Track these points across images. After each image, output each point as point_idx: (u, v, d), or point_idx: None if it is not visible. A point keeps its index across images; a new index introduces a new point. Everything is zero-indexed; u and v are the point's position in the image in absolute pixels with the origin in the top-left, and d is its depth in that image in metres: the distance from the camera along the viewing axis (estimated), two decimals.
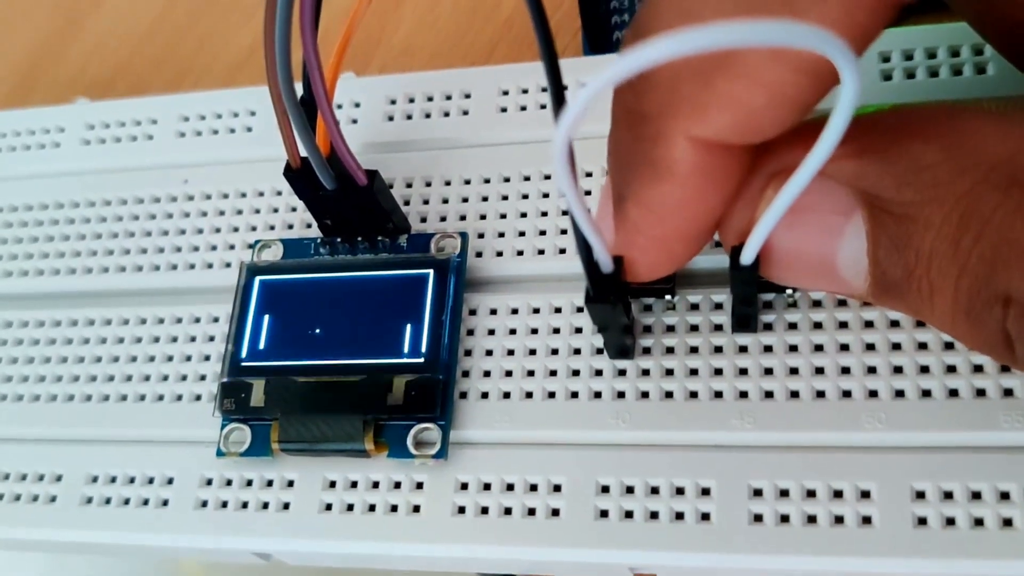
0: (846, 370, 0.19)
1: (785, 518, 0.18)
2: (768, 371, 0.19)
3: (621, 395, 0.20)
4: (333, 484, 0.21)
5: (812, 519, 0.18)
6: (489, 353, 0.21)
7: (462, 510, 0.20)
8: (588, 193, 0.22)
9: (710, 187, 0.16)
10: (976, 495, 0.17)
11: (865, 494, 0.18)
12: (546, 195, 0.22)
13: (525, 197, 0.23)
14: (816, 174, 0.14)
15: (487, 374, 0.21)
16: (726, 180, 0.16)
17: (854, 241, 0.16)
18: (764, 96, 0.13)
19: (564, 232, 0.22)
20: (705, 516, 0.19)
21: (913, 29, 0.22)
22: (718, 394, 0.19)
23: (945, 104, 0.16)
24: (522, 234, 0.22)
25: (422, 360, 0.21)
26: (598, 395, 0.20)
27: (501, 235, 0.22)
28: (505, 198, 0.23)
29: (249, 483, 0.21)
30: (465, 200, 0.23)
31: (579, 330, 0.21)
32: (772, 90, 0.13)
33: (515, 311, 0.21)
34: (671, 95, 0.14)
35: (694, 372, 0.20)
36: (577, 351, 0.21)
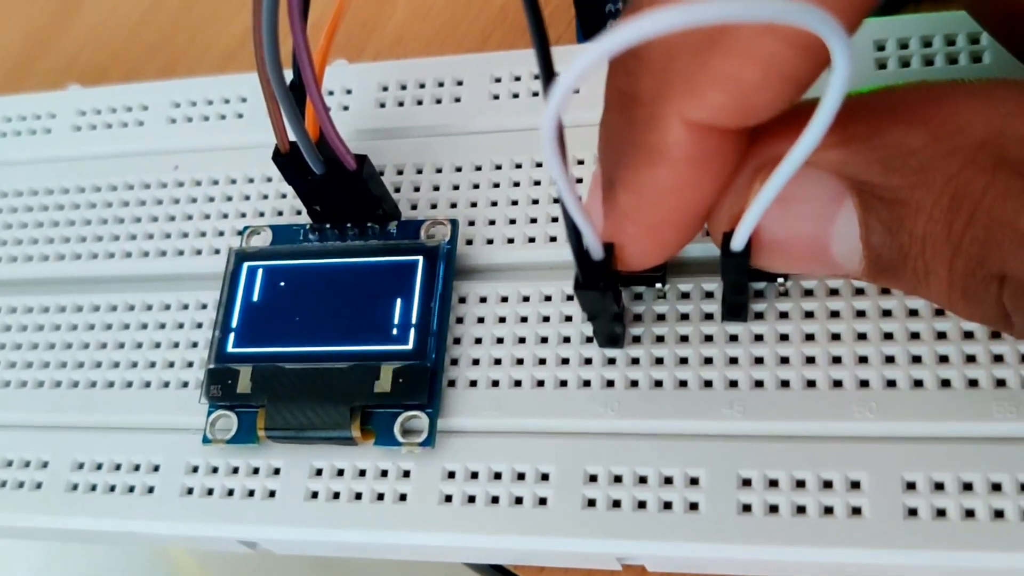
0: (837, 359, 0.19)
1: (774, 508, 0.18)
2: (759, 360, 0.19)
3: (610, 384, 0.20)
4: (319, 472, 0.20)
5: (801, 509, 0.18)
6: (478, 341, 0.21)
7: (449, 499, 0.20)
8: (579, 181, 0.22)
9: (703, 173, 0.15)
10: (967, 486, 0.17)
11: (855, 484, 0.18)
12: (537, 183, 0.22)
13: (516, 185, 0.22)
14: (803, 164, 0.14)
15: (476, 362, 0.21)
16: (720, 167, 0.15)
17: (847, 226, 0.16)
18: (758, 72, 0.13)
19: (555, 220, 0.22)
20: (693, 506, 0.18)
21: (909, 17, 0.22)
22: (708, 383, 0.19)
23: (928, 84, 0.15)
24: (513, 222, 0.22)
25: (410, 348, 0.20)
26: (587, 384, 0.20)
27: (492, 223, 0.22)
28: (496, 186, 0.22)
29: (235, 470, 0.21)
30: (456, 187, 0.23)
31: (569, 318, 0.21)
32: (766, 65, 0.13)
33: (505, 299, 0.21)
34: (665, 74, 0.14)
35: (684, 361, 0.19)
36: (567, 339, 0.20)
